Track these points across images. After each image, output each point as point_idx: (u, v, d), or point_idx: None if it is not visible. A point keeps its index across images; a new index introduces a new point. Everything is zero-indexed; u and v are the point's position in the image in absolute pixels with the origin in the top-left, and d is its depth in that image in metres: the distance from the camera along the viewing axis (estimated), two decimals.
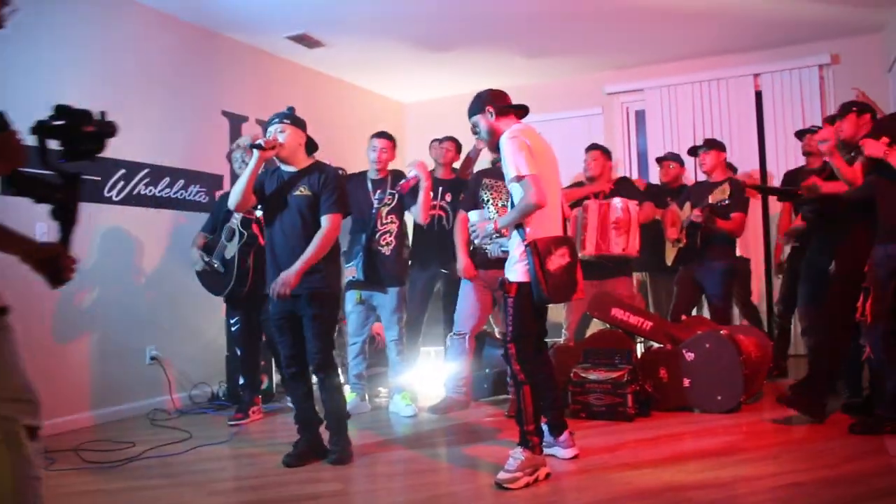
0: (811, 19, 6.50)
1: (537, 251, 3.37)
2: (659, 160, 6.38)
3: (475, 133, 3.73)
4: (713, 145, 5.45)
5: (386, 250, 4.99)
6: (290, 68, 7.13)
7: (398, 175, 5.14)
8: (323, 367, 3.85)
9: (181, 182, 5.80)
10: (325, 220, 3.80)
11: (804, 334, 5.18)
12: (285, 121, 3.90)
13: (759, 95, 7.30)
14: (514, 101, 3.68)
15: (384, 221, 4.99)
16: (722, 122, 7.36)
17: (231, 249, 4.97)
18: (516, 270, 3.48)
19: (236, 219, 4.95)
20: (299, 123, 3.95)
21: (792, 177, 5.58)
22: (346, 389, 4.82)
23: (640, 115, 7.90)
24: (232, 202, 3.86)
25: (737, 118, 7.31)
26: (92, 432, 4.71)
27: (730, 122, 7.33)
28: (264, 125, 4.03)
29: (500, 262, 4.43)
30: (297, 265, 3.71)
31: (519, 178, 3.36)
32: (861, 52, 6.86)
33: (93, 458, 4.04)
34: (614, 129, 7.95)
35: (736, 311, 6.05)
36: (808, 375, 4.29)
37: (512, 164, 3.38)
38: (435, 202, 5.52)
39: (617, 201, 5.07)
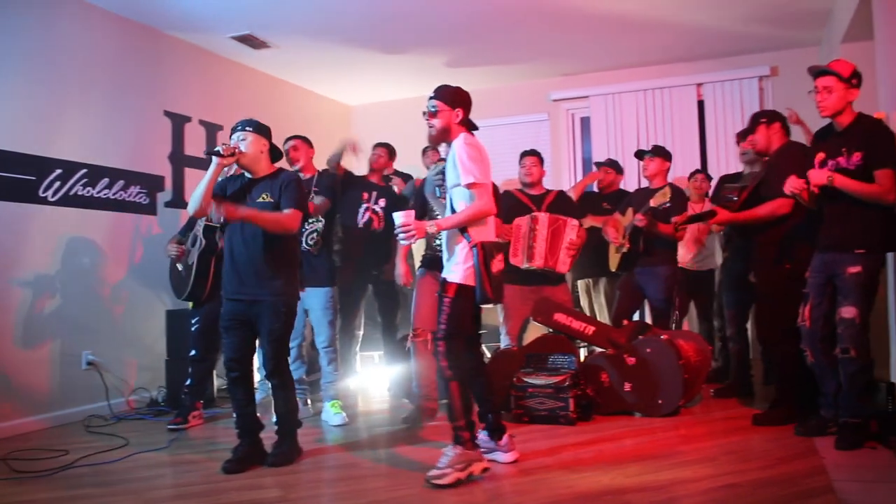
0: (752, 32, 6.68)
1: (484, 253, 3.43)
2: (598, 165, 6.47)
3: (429, 114, 3.66)
4: (659, 153, 5.55)
5: (313, 250, 4.92)
6: (236, 69, 7.04)
7: (322, 174, 5.12)
8: (276, 374, 3.89)
9: (121, 183, 5.68)
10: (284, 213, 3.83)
11: (732, 341, 5.35)
12: (248, 128, 3.91)
13: (701, 104, 7.46)
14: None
15: (310, 221, 4.91)
16: (665, 129, 7.49)
17: (193, 255, 4.96)
18: (458, 272, 3.52)
19: (200, 225, 4.96)
20: (262, 131, 3.96)
21: (730, 181, 5.69)
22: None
23: (586, 122, 7.99)
24: (190, 208, 3.84)
25: (679, 126, 7.45)
26: (23, 440, 4.57)
27: (673, 130, 7.47)
28: (230, 132, 4.01)
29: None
30: (246, 211, 3.71)
31: (472, 185, 3.45)
32: (799, 64, 6.96)
33: (23, 466, 3.92)
34: (560, 135, 8.04)
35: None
36: (778, 391, 4.41)
37: (468, 169, 3.46)
38: (368, 205, 5.54)
39: (574, 223, 5.11)
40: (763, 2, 5.96)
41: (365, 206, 5.55)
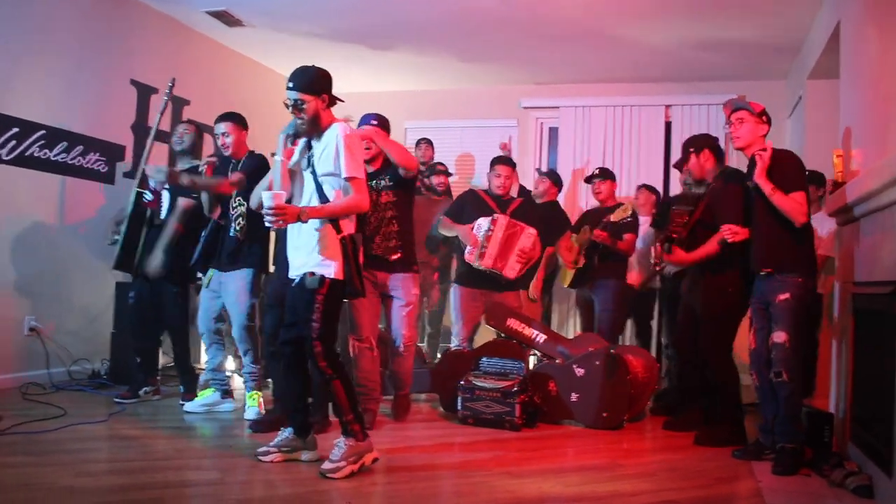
0: (722, 60, 6.80)
1: (353, 245, 3.43)
2: (539, 172, 6.53)
3: (294, 109, 3.42)
4: (608, 175, 5.76)
5: (240, 234, 4.55)
6: (207, 45, 6.93)
7: (251, 155, 4.72)
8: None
9: (80, 148, 5.56)
10: None
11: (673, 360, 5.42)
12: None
13: (668, 125, 7.56)
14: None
15: (234, 204, 4.59)
16: (632, 146, 7.58)
17: (125, 222, 4.83)
18: (330, 266, 3.41)
19: (133, 192, 4.82)
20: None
21: (675, 202, 5.76)
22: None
23: (554, 132, 8.05)
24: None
25: (646, 145, 7.54)
26: None
27: (639, 148, 7.55)
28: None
29: (383, 262, 4.50)
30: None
31: (352, 179, 3.39)
32: (765, 95, 7.05)
33: None
34: (528, 142, 8.08)
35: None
36: (721, 410, 4.43)
37: (350, 163, 3.38)
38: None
39: (531, 232, 5.05)
40: (735, 31, 6.07)
41: None
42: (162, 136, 6.18)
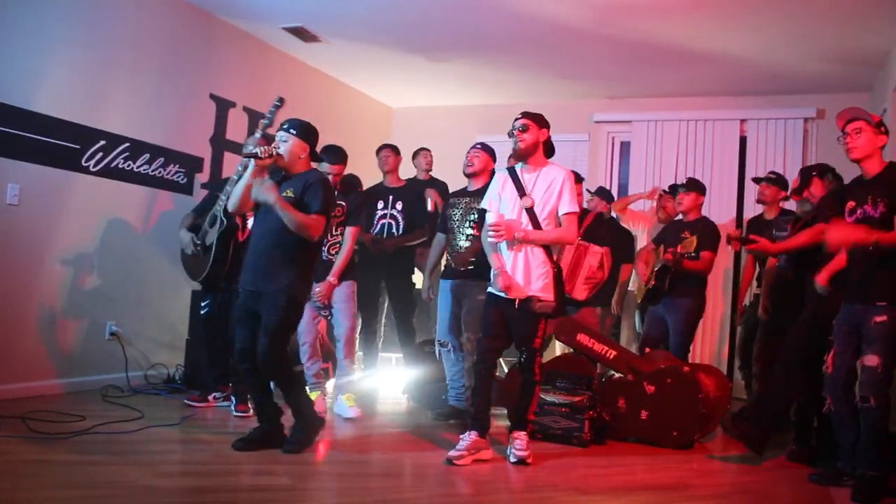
0: (801, 72, 6.63)
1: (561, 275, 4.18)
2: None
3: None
4: (694, 187, 5.51)
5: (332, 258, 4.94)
6: (284, 60, 7.10)
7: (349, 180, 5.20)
8: (270, 369, 3.88)
9: (161, 160, 5.75)
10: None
11: (756, 377, 5.23)
12: (291, 130, 3.95)
13: (743, 140, 7.41)
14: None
15: (333, 233, 4.93)
16: (705, 162, 7.45)
17: (212, 236, 4.91)
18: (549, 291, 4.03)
19: (220, 205, 4.87)
20: (306, 135, 3.99)
21: (755, 224, 5.64)
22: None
23: (626, 147, 7.98)
24: (230, 205, 4.03)
25: (720, 160, 7.41)
26: (43, 402, 4.61)
27: (712, 164, 7.42)
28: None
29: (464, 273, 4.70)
30: (279, 198, 3.77)
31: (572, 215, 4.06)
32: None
33: (40, 427, 3.96)
34: (599, 157, 8.03)
35: None
36: (756, 408, 4.37)
37: (573, 199, 4.07)
38: (385, 210, 5.61)
39: (597, 250, 5.05)
40: (818, 40, 5.91)
41: (380, 213, 5.64)
42: (231, 147, 6.39)
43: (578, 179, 5.36)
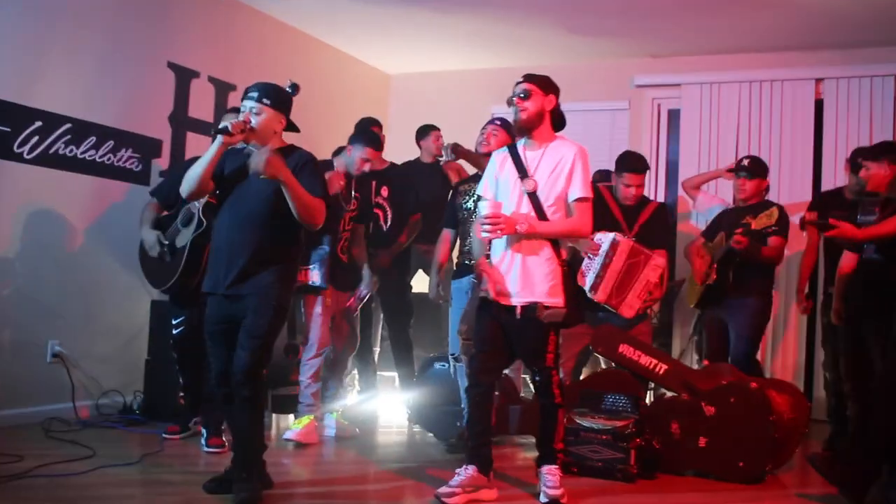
0: (891, 18, 6.57)
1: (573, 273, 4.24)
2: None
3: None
4: (759, 172, 5.57)
5: (345, 258, 5.13)
6: (256, 19, 7.11)
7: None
8: (248, 383, 3.80)
9: (110, 144, 5.76)
10: None
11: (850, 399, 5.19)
12: (265, 101, 3.87)
13: (819, 104, 7.35)
14: (513, 83, 4.08)
15: (346, 228, 5.05)
16: (772, 132, 7.39)
17: (185, 237, 4.91)
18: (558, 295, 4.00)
19: (199, 202, 4.84)
20: (281, 105, 3.93)
21: (829, 200, 5.61)
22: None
23: (674, 116, 7.95)
24: (184, 189, 3.88)
25: (790, 129, 7.35)
26: None
27: (781, 133, 7.36)
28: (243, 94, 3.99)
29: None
30: (288, 174, 3.69)
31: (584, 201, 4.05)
32: None
33: None
34: (642, 128, 8.00)
35: None
36: (855, 448, 4.32)
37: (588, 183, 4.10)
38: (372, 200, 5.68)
39: (659, 262, 5.02)
40: None
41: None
42: (195, 126, 6.42)
43: (640, 169, 5.34)
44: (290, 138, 4.05)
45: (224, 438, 4.71)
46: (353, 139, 5.27)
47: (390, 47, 8.03)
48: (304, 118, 4.31)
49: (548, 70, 4.36)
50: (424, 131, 6.60)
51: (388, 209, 5.68)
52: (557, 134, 4.17)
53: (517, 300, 3.94)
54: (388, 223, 5.67)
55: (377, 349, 6.08)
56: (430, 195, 6.01)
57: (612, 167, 5.60)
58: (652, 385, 5.41)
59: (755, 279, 5.29)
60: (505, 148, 4.22)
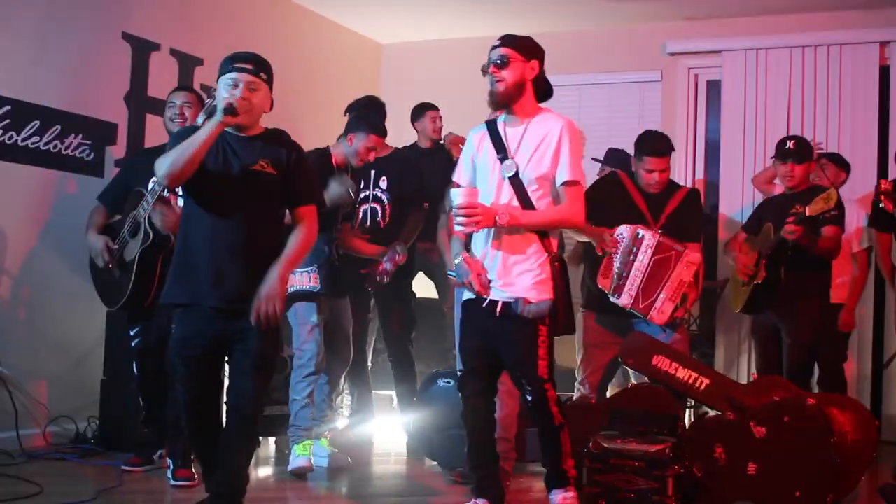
0: None
1: (563, 269, 3.98)
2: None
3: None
4: (808, 155, 5.58)
5: (338, 262, 5.20)
6: None
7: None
8: (255, 418, 3.82)
9: (56, 129, 5.73)
10: (302, 214, 3.85)
11: None
12: (262, 75, 3.80)
13: (884, 71, 7.34)
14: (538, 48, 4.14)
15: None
16: (830, 104, 7.36)
17: (133, 250, 4.87)
18: (545, 288, 3.90)
19: (144, 210, 4.79)
20: (271, 81, 3.88)
21: None
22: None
23: (714, 87, 7.96)
24: (165, 170, 3.71)
25: (850, 100, 7.33)
26: None
27: (840, 105, 7.34)
28: (220, 68, 3.87)
29: None
30: (279, 269, 3.67)
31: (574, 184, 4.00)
32: None
33: None
34: (676, 103, 7.99)
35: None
36: None
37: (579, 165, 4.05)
38: (367, 192, 5.66)
39: (693, 259, 4.95)
40: None
41: (360, 197, 5.63)
42: (155, 107, 6.31)
43: (665, 151, 5.22)
44: (266, 117, 3.96)
45: (193, 470, 4.68)
46: (355, 126, 5.24)
47: (381, 13, 8.01)
48: (281, 95, 4.23)
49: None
50: (420, 111, 6.60)
51: (386, 202, 5.62)
52: (542, 106, 4.08)
53: (497, 297, 3.87)
54: (388, 219, 5.59)
55: (369, 364, 6.02)
56: (432, 185, 5.92)
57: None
58: (691, 402, 5.37)
59: (813, 276, 5.24)
60: (483, 125, 4.15)
